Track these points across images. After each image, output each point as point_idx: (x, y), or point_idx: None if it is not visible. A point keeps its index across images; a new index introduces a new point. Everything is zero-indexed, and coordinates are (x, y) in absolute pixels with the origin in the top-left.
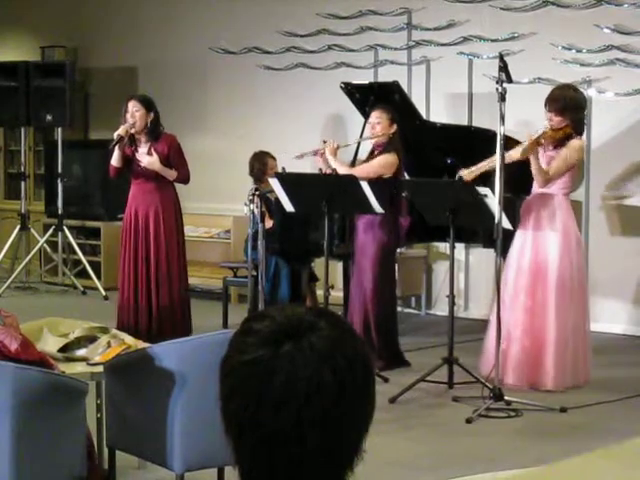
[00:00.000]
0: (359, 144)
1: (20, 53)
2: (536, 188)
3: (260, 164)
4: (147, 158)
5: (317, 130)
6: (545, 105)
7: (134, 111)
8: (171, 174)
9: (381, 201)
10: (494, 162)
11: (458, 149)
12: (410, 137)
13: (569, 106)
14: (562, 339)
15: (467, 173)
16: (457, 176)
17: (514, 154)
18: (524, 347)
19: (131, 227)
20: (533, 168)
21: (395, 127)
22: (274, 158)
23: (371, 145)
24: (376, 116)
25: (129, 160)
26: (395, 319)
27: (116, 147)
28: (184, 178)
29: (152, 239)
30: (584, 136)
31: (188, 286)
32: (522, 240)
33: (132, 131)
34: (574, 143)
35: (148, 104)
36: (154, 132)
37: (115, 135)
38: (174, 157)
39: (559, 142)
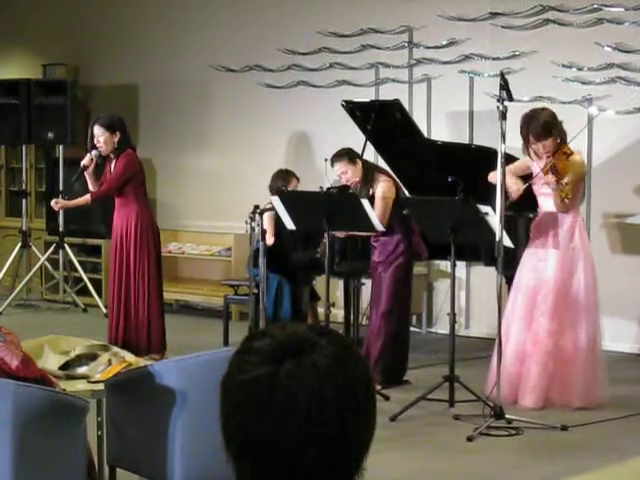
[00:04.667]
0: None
1: (21, 71)
2: (543, 207)
3: (283, 182)
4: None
5: (318, 148)
6: (527, 140)
7: (98, 136)
8: (84, 201)
9: (395, 222)
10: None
11: (459, 167)
12: (412, 155)
13: (549, 124)
14: (592, 358)
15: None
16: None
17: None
18: (547, 369)
19: (114, 243)
20: (556, 201)
21: (359, 162)
22: (297, 179)
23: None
24: (340, 170)
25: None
26: (407, 341)
27: (85, 174)
28: (97, 197)
29: (124, 255)
30: (576, 146)
31: (160, 301)
32: (536, 259)
33: (98, 160)
34: (576, 159)
35: (111, 127)
36: (121, 150)
37: (81, 165)
38: (115, 169)
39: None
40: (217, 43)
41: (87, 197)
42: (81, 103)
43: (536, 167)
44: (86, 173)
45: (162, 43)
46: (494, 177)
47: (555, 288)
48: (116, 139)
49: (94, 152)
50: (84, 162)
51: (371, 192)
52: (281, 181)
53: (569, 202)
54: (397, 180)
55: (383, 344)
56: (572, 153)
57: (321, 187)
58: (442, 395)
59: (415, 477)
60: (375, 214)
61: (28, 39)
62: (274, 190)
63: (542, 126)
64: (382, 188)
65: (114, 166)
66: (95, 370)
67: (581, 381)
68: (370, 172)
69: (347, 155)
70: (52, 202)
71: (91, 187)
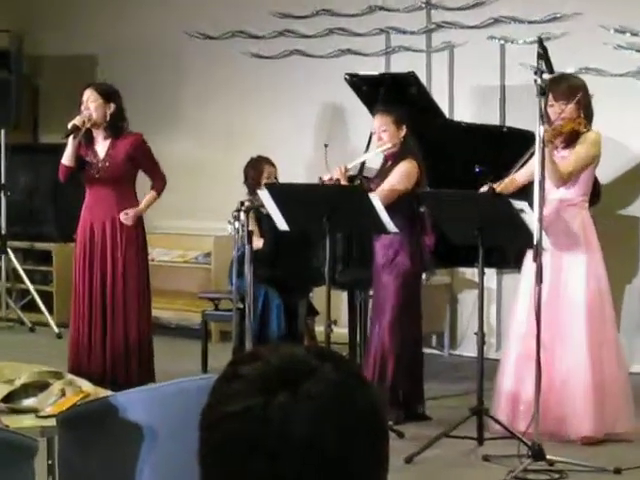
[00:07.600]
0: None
1: None
2: (550, 194)
3: (254, 171)
4: (124, 218)
5: (315, 130)
6: (547, 98)
7: (89, 102)
8: (152, 198)
9: (401, 218)
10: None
11: (488, 154)
12: (429, 140)
13: (575, 89)
14: (598, 380)
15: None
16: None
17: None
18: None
19: (85, 245)
20: (547, 165)
21: (404, 129)
22: (272, 165)
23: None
24: (379, 123)
25: (83, 162)
26: (420, 362)
27: (70, 140)
28: (161, 189)
29: (109, 259)
30: (595, 127)
31: (151, 320)
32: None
33: (89, 125)
34: (590, 136)
35: (107, 94)
36: (115, 127)
37: (69, 125)
38: (144, 162)
39: (570, 139)
40: (192, 4)
41: (153, 194)
42: (28, 78)
43: None
44: (71, 138)
45: (125, 5)
46: (504, 187)
47: (551, 296)
48: (109, 111)
49: (86, 113)
50: (75, 121)
51: (389, 162)
52: (252, 171)
53: (566, 177)
54: (423, 172)
55: (393, 368)
56: (588, 130)
57: (320, 178)
58: (468, 431)
59: None
60: (380, 193)
61: None
62: (248, 183)
63: (566, 85)
64: (405, 170)
65: (111, 146)
66: (45, 402)
67: (582, 405)
68: (408, 145)
69: (395, 114)
70: (122, 216)
71: (66, 160)
